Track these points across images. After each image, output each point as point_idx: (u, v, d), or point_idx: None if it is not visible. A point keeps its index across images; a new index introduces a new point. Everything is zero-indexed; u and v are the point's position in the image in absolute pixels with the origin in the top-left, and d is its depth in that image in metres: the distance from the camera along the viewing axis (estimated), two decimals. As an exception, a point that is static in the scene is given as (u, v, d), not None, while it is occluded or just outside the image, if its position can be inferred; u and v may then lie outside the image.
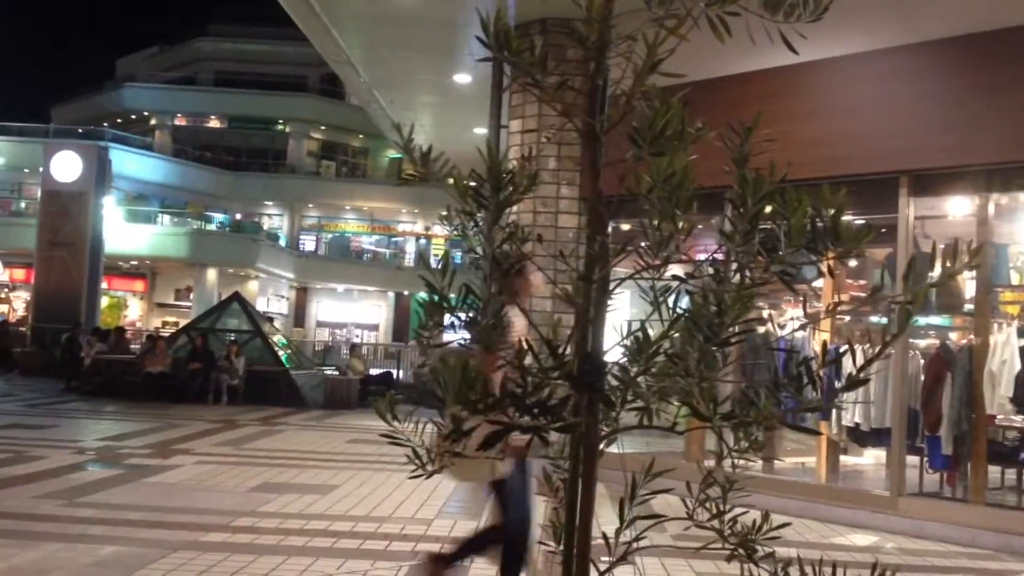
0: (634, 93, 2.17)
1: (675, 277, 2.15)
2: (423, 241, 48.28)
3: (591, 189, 2.25)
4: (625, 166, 2.19)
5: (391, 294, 45.64)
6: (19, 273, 36.58)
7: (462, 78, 14.13)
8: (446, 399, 1.94)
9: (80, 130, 40.20)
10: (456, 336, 2.30)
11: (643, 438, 7.43)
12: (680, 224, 2.14)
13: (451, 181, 2.35)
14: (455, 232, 2.43)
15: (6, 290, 37.82)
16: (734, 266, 2.16)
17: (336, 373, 20.48)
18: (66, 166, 30.59)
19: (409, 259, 47.44)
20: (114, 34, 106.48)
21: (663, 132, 2.12)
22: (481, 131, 13.40)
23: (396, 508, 7.96)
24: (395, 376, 22.52)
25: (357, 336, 38.91)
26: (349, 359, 23.10)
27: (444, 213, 2.44)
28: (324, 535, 6.78)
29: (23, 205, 39.25)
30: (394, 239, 49.19)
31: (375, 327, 44.87)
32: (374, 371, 22.73)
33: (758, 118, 2.20)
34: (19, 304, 37.28)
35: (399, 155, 41.30)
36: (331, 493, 8.59)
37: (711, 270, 2.16)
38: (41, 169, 31.69)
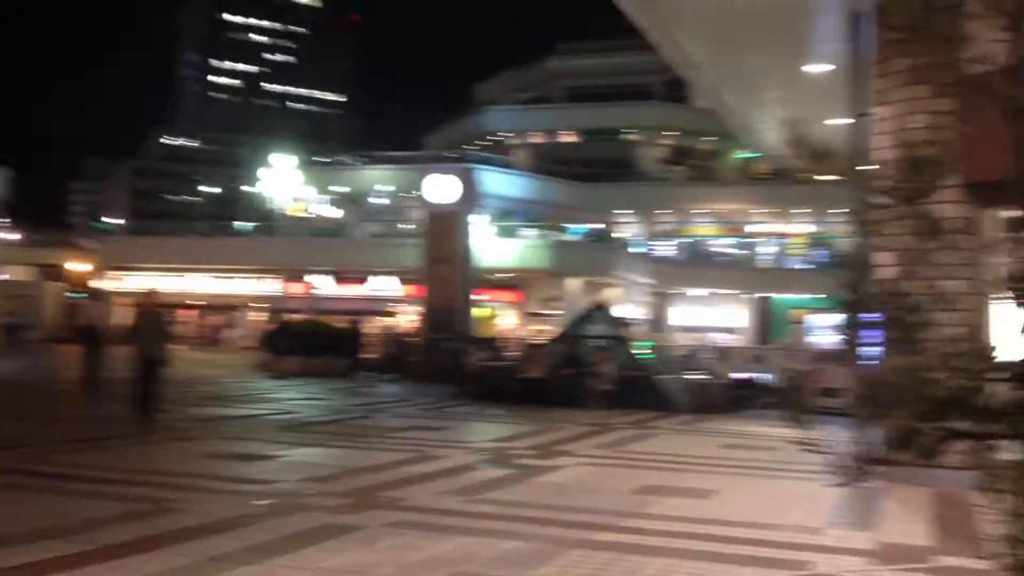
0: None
1: None
2: (783, 241, 46.83)
3: (1018, 170, 2.06)
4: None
5: (751, 297, 44.73)
6: (406, 289, 40.53)
7: (813, 68, 13.57)
8: (892, 409, 1.85)
9: (448, 154, 43.82)
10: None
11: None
12: None
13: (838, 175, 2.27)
14: (864, 227, 2.34)
15: (399, 304, 41.98)
16: None
17: (702, 377, 20.42)
18: (441, 188, 33.90)
19: (764, 260, 46.26)
20: (471, 61, 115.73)
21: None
22: (832, 122, 12.66)
23: (780, 515, 7.76)
24: (762, 380, 21.95)
25: (724, 340, 38.49)
26: (715, 363, 22.93)
27: (853, 208, 2.36)
28: (709, 539, 6.77)
29: (405, 226, 43.42)
30: (747, 241, 48.18)
31: (735, 330, 44.18)
32: (736, 375, 22.35)
33: None
34: (404, 317, 41.21)
35: (750, 155, 40.48)
36: (711, 497, 8.57)
37: None
38: (418, 193, 35.10)
